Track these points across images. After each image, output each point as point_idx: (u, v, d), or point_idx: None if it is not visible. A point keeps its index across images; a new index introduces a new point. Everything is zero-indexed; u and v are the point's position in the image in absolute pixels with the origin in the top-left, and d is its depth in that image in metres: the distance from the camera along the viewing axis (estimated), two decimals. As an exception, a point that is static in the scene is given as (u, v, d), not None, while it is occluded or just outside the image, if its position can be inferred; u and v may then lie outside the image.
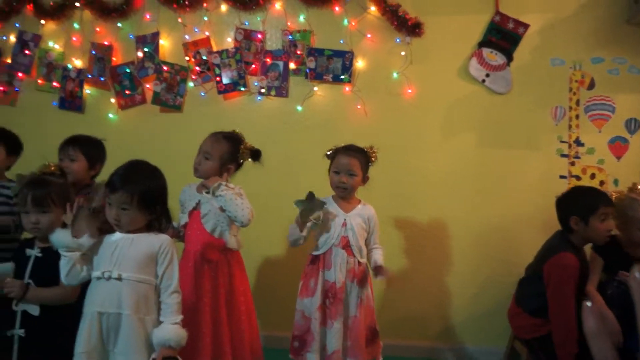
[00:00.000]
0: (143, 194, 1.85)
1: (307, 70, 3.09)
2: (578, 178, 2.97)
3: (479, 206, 3.03)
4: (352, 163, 2.35)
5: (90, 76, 3.34)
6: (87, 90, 3.36)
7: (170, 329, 1.78)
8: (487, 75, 2.98)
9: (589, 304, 2.30)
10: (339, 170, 2.36)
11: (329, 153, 2.46)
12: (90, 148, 2.51)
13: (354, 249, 2.34)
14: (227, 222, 2.31)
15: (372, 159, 2.42)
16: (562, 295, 2.29)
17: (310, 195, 2.28)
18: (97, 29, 3.34)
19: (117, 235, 1.88)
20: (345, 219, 2.37)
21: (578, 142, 2.98)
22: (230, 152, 2.32)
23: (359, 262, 2.35)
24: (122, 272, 1.81)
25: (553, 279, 2.33)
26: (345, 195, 2.40)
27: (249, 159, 2.37)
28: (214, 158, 2.30)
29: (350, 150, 2.40)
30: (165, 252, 1.86)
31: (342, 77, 3.06)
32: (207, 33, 3.21)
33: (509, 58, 2.98)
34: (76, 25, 3.36)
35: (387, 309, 3.05)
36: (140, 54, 3.28)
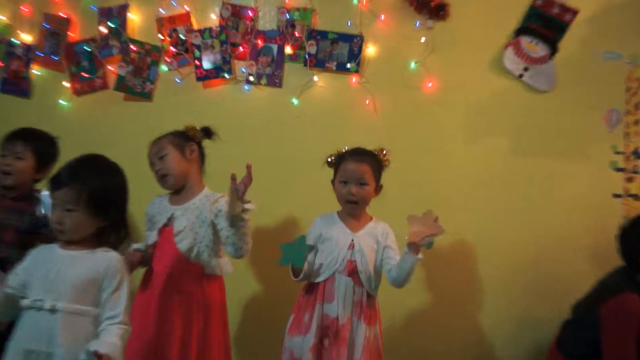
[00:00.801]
0: (94, 192, 1.75)
1: (307, 56, 2.94)
2: (637, 197, 2.76)
3: (513, 228, 2.87)
4: (362, 170, 2.20)
5: (40, 54, 3.16)
6: (36, 70, 3.19)
7: (107, 343, 1.66)
8: (526, 69, 2.83)
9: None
10: (347, 179, 2.21)
11: (330, 160, 2.31)
12: (44, 146, 2.40)
13: (362, 276, 2.17)
14: (210, 241, 2.22)
15: (385, 163, 2.28)
16: (621, 347, 2.15)
17: (300, 242, 2.10)
18: (53, -3, 3.27)
19: (57, 250, 1.75)
20: (353, 240, 2.19)
21: (637, 154, 2.78)
22: (181, 137, 2.32)
23: (368, 294, 2.17)
24: (57, 302, 1.68)
25: (612, 326, 2.18)
26: (356, 211, 2.24)
27: (206, 138, 2.38)
28: (170, 151, 2.27)
29: (359, 154, 2.26)
30: (113, 273, 1.74)
31: (349, 65, 2.90)
32: (186, 7, 3.03)
33: (553, 49, 2.82)
34: (27, -8, 3.29)
35: (401, 350, 2.88)
36: (103, 30, 3.10)
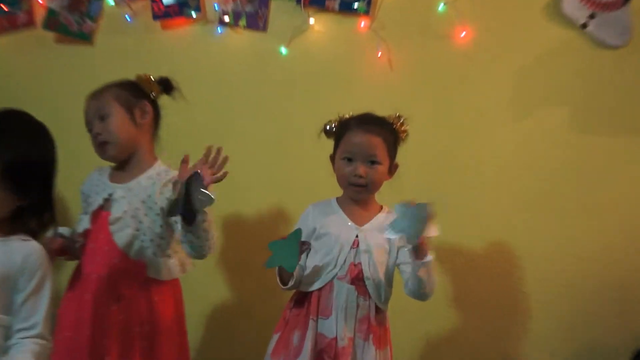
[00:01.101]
0: (10, 161, 1.69)
1: (301, -9, 2.75)
2: None
3: (572, 229, 2.74)
4: (373, 143, 2.05)
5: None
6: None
7: None
8: (592, 17, 2.70)
9: None
10: (352, 155, 2.05)
11: (329, 128, 2.16)
12: None
13: (369, 284, 2.01)
14: (157, 235, 2.10)
15: (402, 136, 2.13)
16: None
17: (294, 238, 1.98)
18: None
19: None
20: (357, 236, 2.04)
21: None
22: (131, 91, 2.21)
23: (377, 307, 2.03)
24: None
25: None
26: (362, 196, 2.08)
27: (163, 93, 2.27)
28: (115, 111, 2.15)
29: (369, 122, 2.09)
30: (32, 270, 1.71)
31: (356, 5, 2.78)
32: None
33: (629, -8, 2.54)
34: None
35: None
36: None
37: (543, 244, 2.77)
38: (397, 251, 2.09)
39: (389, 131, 2.11)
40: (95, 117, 2.16)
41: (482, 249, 2.78)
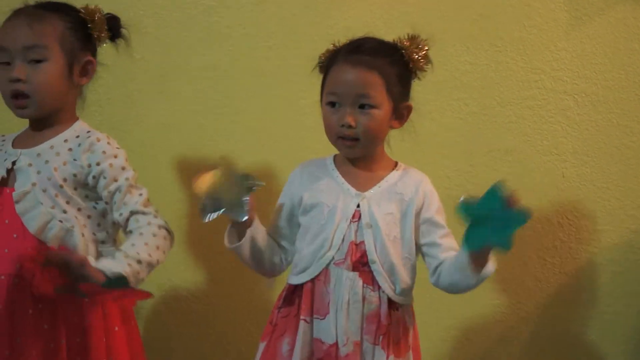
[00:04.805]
0: None
1: None
2: None
3: None
4: (363, 80, 1.82)
5: None
6: None
7: None
8: None
9: None
10: (337, 98, 1.83)
11: (320, 62, 1.93)
12: None
13: (376, 270, 1.77)
14: (84, 215, 1.85)
15: (418, 65, 1.85)
16: None
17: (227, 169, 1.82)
18: None
19: None
20: (359, 204, 1.80)
21: None
22: (77, 32, 1.93)
23: (389, 300, 1.78)
24: None
25: None
26: (355, 153, 1.86)
27: (108, 39, 1.99)
28: (54, 56, 1.86)
29: (361, 50, 1.86)
30: None
31: None
32: None
33: None
34: None
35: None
36: None
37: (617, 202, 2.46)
38: (420, 225, 1.85)
39: (390, 61, 1.85)
40: (19, 51, 1.85)
41: (541, 210, 2.45)
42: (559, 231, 2.48)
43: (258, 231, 1.82)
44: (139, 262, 1.79)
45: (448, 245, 1.81)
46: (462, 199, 1.63)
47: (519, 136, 2.45)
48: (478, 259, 1.70)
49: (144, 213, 1.84)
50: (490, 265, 1.73)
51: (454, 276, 1.80)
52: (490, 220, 1.61)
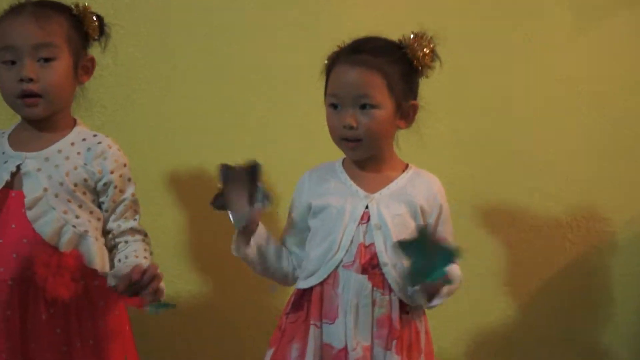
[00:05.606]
0: None
1: None
2: None
3: None
4: (363, 80, 1.82)
5: None
6: None
7: None
8: None
9: None
10: (338, 99, 1.83)
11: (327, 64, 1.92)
12: None
13: (388, 272, 1.75)
14: (95, 217, 1.86)
15: (425, 63, 1.84)
16: None
17: (253, 167, 1.79)
18: None
19: None
20: (367, 206, 1.80)
21: None
22: (80, 31, 1.93)
23: (402, 303, 1.78)
24: None
25: None
26: (359, 155, 1.87)
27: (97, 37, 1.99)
28: (64, 55, 1.85)
29: (362, 50, 1.86)
30: None
31: None
32: None
33: None
34: None
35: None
36: None
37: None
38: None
39: (392, 59, 1.84)
40: (29, 49, 1.84)
41: (549, 211, 2.44)
42: (568, 233, 2.45)
43: (263, 239, 1.80)
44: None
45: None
46: (395, 241, 1.73)
47: (527, 137, 2.42)
48: (426, 292, 1.74)
49: (139, 232, 1.90)
50: (437, 300, 1.76)
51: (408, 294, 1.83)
52: (423, 259, 1.67)
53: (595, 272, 2.50)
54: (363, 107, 1.78)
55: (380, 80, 1.79)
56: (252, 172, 1.76)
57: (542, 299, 2.49)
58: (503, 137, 2.49)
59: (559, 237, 2.47)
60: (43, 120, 1.87)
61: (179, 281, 2.53)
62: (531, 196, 2.52)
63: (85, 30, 1.91)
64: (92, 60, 1.91)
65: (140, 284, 1.74)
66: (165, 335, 2.52)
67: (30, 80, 1.79)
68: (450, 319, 2.33)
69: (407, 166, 1.88)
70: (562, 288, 2.50)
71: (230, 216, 1.73)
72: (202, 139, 2.41)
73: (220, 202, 1.77)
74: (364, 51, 1.82)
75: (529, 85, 2.46)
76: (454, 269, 1.81)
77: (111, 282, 1.79)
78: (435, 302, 1.75)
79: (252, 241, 1.78)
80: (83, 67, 1.89)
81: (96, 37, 1.97)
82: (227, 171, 1.75)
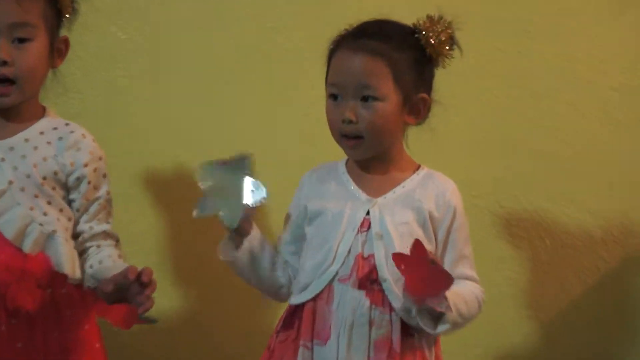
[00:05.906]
0: None
1: None
2: None
3: None
4: (365, 67, 1.71)
5: None
6: None
7: None
8: None
9: None
10: (337, 89, 1.73)
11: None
12: None
13: (388, 288, 1.63)
14: (65, 216, 1.77)
15: (440, 48, 1.72)
16: None
17: (241, 160, 1.69)
18: None
19: None
20: (369, 212, 1.68)
21: None
22: (55, 9, 1.81)
23: (403, 324, 1.63)
24: None
25: None
26: (360, 154, 1.76)
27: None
28: (40, 34, 1.75)
29: (368, 34, 1.75)
30: None
31: None
32: None
33: None
34: None
35: None
36: None
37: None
38: (444, 241, 1.73)
39: (400, 45, 1.70)
40: (4, 29, 1.73)
41: (582, 224, 2.29)
42: (602, 250, 2.31)
43: (257, 241, 1.68)
44: None
45: (455, 273, 1.64)
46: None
47: (555, 135, 2.31)
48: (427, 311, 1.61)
49: (112, 237, 1.79)
50: (442, 326, 1.61)
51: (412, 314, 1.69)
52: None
53: (630, 295, 2.38)
54: (365, 99, 1.66)
55: (385, 68, 1.66)
56: (241, 165, 1.63)
57: (571, 323, 2.36)
58: (529, 136, 2.37)
59: (592, 254, 2.34)
60: (10, 108, 1.76)
61: (157, 294, 2.49)
62: (561, 204, 2.40)
63: (59, 7, 1.78)
64: (66, 41, 1.81)
65: (136, 287, 1.61)
66: (141, 355, 2.41)
67: (5, 63, 1.68)
68: (470, 344, 2.25)
69: (418, 167, 1.74)
70: (593, 311, 2.36)
71: (221, 217, 1.60)
72: (197, 128, 2.30)
73: (205, 205, 1.65)
74: (369, 35, 1.69)
75: (555, 76, 2.33)
76: (466, 294, 1.67)
77: (90, 282, 1.67)
78: (442, 328, 1.58)
79: (245, 242, 1.65)
80: (57, 50, 1.79)
81: (68, 15, 1.84)
82: (209, 169, 1.63)
